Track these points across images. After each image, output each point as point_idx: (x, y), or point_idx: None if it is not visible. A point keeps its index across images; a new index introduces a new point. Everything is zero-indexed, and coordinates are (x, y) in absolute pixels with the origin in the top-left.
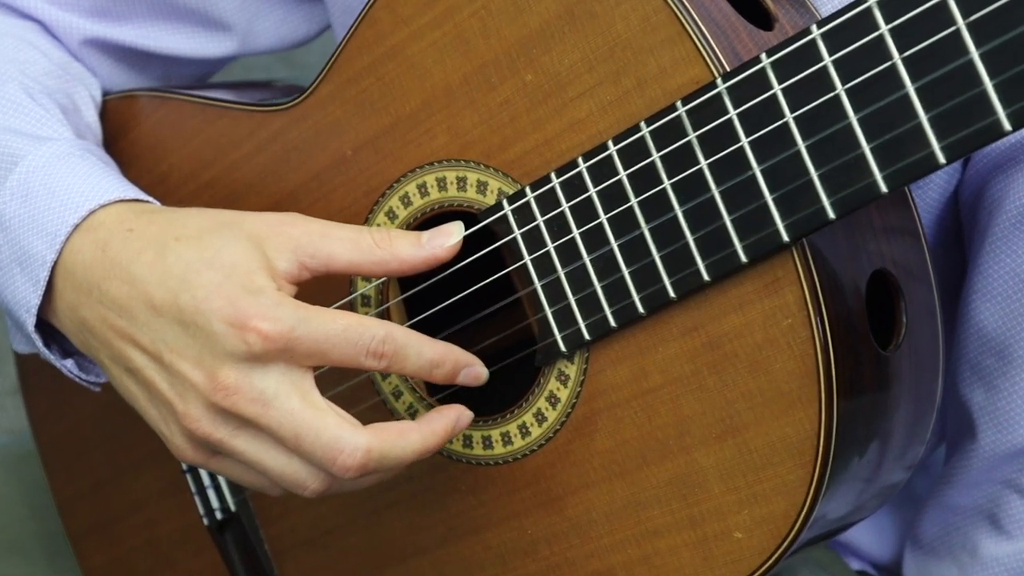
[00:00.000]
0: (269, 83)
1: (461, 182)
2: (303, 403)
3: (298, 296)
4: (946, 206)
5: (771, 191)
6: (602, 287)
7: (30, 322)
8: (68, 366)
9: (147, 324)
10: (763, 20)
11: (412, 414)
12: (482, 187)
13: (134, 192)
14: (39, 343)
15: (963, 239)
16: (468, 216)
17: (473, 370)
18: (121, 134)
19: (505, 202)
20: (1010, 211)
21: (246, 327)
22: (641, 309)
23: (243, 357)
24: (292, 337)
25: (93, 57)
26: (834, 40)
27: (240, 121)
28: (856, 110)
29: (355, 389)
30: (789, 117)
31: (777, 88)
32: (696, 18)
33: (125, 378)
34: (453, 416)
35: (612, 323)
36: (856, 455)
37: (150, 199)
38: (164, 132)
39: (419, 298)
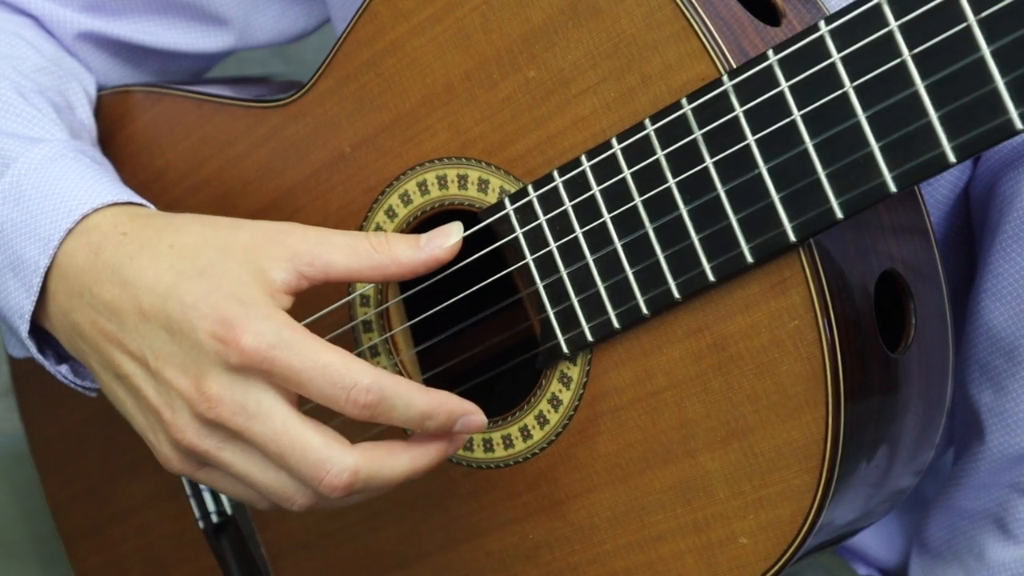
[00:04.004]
0: (266, 79)
1: (462, 180)
2: (287, 420)
3: (296, 298)
4: (956, 203)
5: (778, 190)
6: (605, 288)
7: (24, 328)
8: (63, 371)
9: (135, 330)
10: (770, 16)
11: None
12: (483, 185)
13: (128, 195)
14: (33, 349)
15: (974, 237)
16: (469, 215)
17: (469, 419)
18: (116, 130)
19: (507, 201)
20: (1021, 209)
21: (226, 339)
22: (645, 310)
23: (225, 368)
24: (268, 356)
25: (87, 52)
26: (843, 37)
27: (237, 117)
28: (865, 108)
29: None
30: (796, 115)
31: (784, 85)
32: (702, 14)
33: (114, 384)
34: (446, 439)
35: (616, 324)
36: (864, 460)
37: (145, 202)
38: (160, 128)
39: (419, 298)
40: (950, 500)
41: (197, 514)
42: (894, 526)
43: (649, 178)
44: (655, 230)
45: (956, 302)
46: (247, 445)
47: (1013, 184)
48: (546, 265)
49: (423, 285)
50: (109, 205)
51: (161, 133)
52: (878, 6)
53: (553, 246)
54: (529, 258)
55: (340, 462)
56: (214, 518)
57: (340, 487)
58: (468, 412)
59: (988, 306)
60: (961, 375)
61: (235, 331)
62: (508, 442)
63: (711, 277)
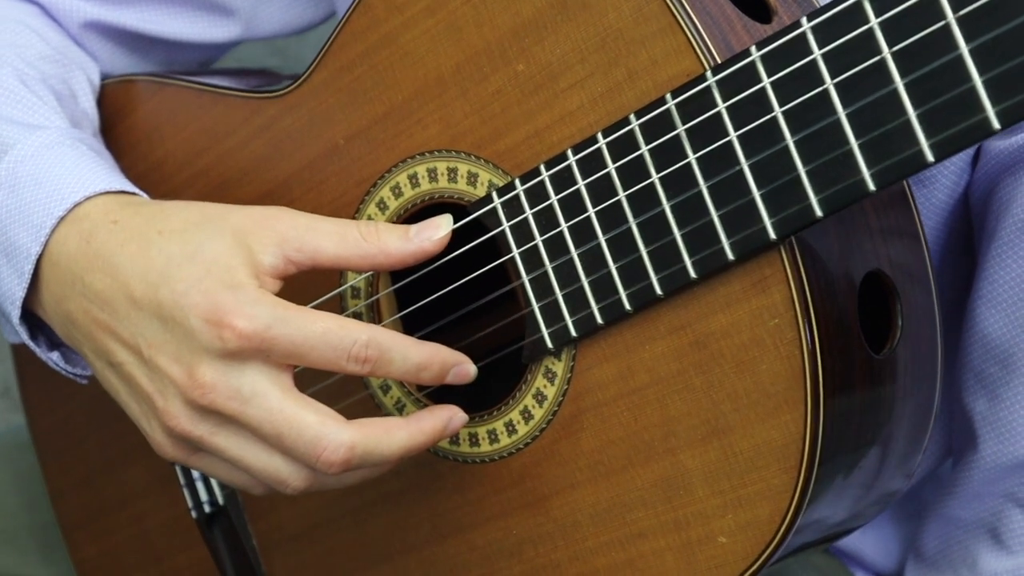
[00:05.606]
0: (267, 70)
1: (452, 173)
2: (283, 400)
3: (287, 288)
4: (955, 208)
5: (759, 187)
6: (589, 282)
7: (15, 314)
8: (54, 359)
9: (127, 318)
10: (762, 13)
11: (400, 409)
12: (472, 178)
13: (120, 183)
14: (25, 335)
15: (973, 243)
16: (459, 208)
17: (461, 368)
18: (118, 119)
19: (495, 194)
20: (1017, 215)
21: (221, 323)
22: (628, 306)
23: (219, 354)
24: (268, 336)
25: (94, 41)
26: (824, 33)
27: (235, 108)
28: (845, 105)
29: (342, 383)
30: (778, 111)
31: (766, 81)
32: (689, 9)
33: (107, 372)
34: (444, 416)
35: (599, 320)
36: (846, 460)
37: (137, 191)
38: (161, 118)
39: (410, 290)
40: (945, 509)
41: (190, 504)
42: (891, 532)
43: (633, 173)
44: (638, 225)
45: (955, 308)
46: (241, 429)
47: (1010, 189)
48: (532, 259)
49: (413, 277)
50: (101, 193)
51: (161, 123)
52: (859, 3)
53: (538, 240)
54: (515, 251)
55: (336, 438)
56: (206, 508)
57: (337, 463)
58: (459, 362)
59: (983, 313)
60: (956, 383)
61: (229, 316)
62: (493, 437)
63: (693, 273)
